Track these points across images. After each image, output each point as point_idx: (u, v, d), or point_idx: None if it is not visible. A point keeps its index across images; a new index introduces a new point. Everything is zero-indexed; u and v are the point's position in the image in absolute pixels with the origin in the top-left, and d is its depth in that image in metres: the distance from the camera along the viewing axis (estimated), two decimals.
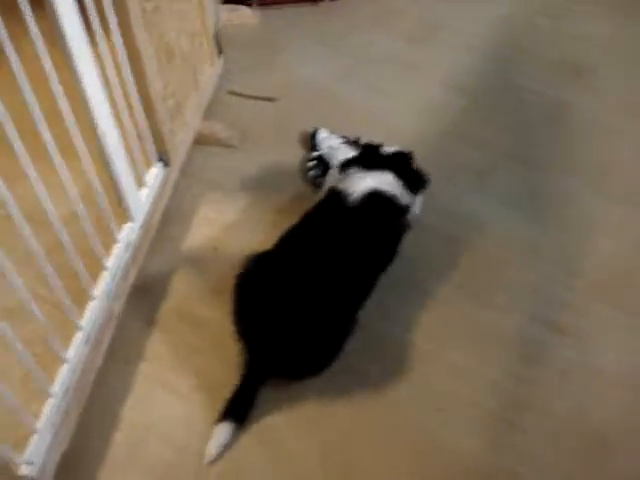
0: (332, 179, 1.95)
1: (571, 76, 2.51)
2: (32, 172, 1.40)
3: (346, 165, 1.95)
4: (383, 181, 1.84)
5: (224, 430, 1.66)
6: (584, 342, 1.87)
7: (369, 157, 1.94)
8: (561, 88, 2.47)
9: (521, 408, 1.76)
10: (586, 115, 2.40)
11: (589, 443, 1.71)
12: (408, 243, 2.00)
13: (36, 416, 1.52)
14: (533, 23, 2.74)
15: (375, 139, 2.28)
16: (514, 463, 1.66)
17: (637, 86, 2.47)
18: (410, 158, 1.96)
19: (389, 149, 1.96)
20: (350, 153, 2.04)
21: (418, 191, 1.95)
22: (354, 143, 2.18)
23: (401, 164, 1.92)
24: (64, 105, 1.47)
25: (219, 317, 1.86)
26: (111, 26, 1.63)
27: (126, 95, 1.76)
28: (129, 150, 1.82)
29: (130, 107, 1.79)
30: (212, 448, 1.65)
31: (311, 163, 2.19)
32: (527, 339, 1.88)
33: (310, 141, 2.26)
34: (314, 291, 1.69)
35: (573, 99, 2.43)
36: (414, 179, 1.93)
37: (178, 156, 2.11)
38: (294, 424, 1.72)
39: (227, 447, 1.66)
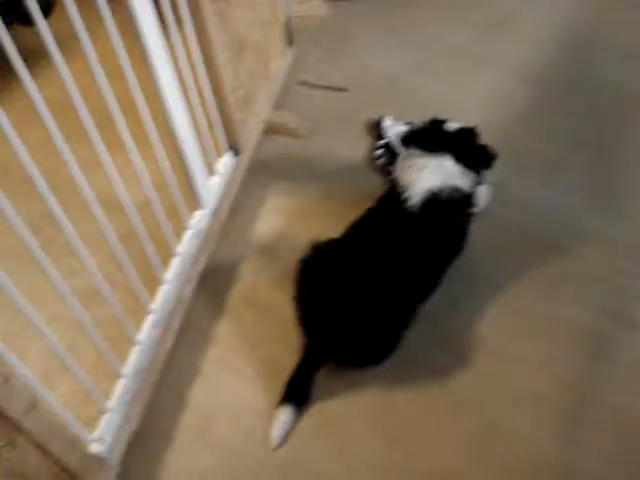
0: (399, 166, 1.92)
1: None
2: (107, 159, 1.45)
3: (407, 140, 1.91)
4: (443, 172, 1.78)
5: (284, 413, 1.68)
6: None
7: (431, 135, 1.87)
8: (637, 80, 2.37)
9: (588, 403, 1.71)
10: None
11: None
12: (478, 234, 1.98)
13: (107, 396, 1.58)
14: (608, 13, 2.63)
15: None
16: (580, 458, 1.62)
17: None
18: (474, 134, 1.89)
19: (453, 125, 1.89)
20: None
21: (485, 168, 1.89)
22: None
23: (464, 143, 1.86)
24: (138, 94, 1.52)
25: (287, 305, 1.87)
26: (183, 16, 1.66)
27: (198, 85, 1.79)
28: (200, 139, 1.85)
29: (201, 97, 1.83)
30: (275, 432, 1.68)
31: (379, 151, 2.18)
32: (595, 333, 1.82)
33: (376, 129, 2.25)
34: (375, 282, 1.68)
35: None
36: (479, 156, 1.87)
37: (248, 145, 2.14)
38: (359, 412, 1.72)
39: (290, 431, 1.69)
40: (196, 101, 1.79)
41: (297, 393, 1.71)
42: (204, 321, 1.90)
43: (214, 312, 1.92)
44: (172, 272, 1.80)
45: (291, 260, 1.89)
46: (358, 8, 2.66)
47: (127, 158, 1.54)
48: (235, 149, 2.06)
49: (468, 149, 1.85)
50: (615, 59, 2.46)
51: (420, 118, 2.26)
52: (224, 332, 1.88)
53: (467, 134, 1.89)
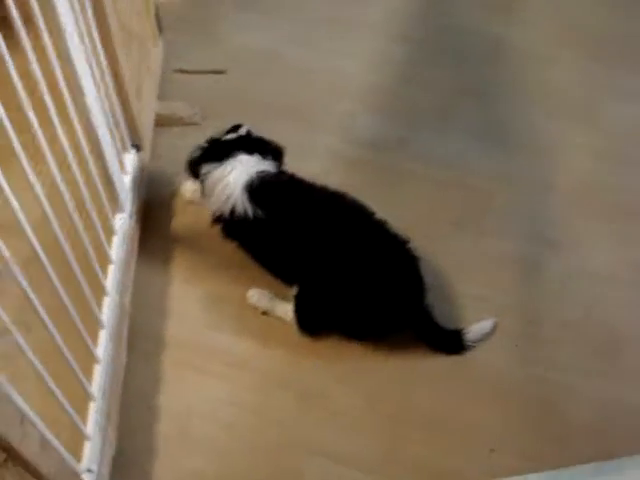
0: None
1: (503, 11, 2.61)
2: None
3: (196, 164, 1.87)
4: (245, 165, 1.80)
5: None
6: (575, 251, 2.00)
7: (215, 148, 1.87)
8: (495, 24, 2.56)
9: (535, 322, 1.87)
10: (522, 46, 2.50)
11: (601, 342, 1.84)
12: (396, 193, 2.07)
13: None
14: None
15: (331, 97, 2.32)
16: (541, 371, 1.78)
17: (564, 15, 2.61)
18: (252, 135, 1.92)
19: (230, 135, 1.91)
20: None
21: (278, 160, 1.91)
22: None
23: (250, 142, 1.88)
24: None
25: (232, 291, 1.85)
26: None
27: (101, 77, 1.67)
28: (114, 136, 1.74)
29: (106, 91, 1.71)
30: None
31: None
32: (524, 258, 1.98)
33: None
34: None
35: (508, 33, 2.53)
36: (268, 148, 1.89)
37: (147, 140, 2.04)
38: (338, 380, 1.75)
39: None
40: (104, 94, 1.67)
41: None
42: (150, 326, 1.80)
43: (158, 315, 1.83)
44: (111, 281, 1.68)
45: (219, 246, 1.86)
46: None
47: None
48: (137, 145, 1.96)
49: (256, 144, 1.88)
50: (473, 7, 2.64)
51: (306, 89, 2.33)
52: (175, 332, 1.80)
53: (247, 136, 1.91)
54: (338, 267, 1.73)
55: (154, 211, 1.98)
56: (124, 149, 1.88)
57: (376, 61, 2.43)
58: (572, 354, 1.81)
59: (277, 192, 1.81)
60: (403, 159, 2.17)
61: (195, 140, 2.09)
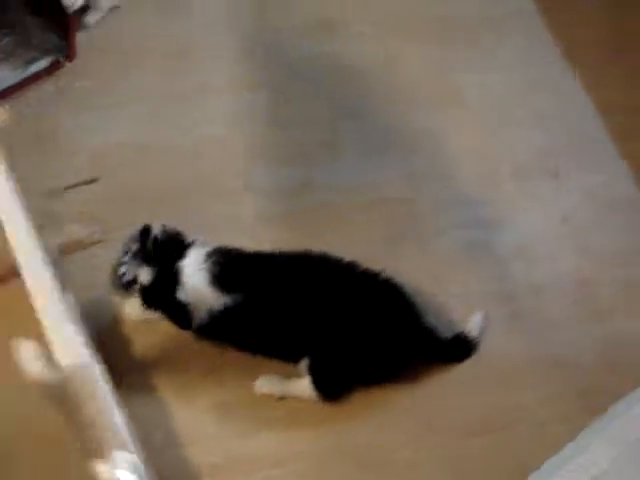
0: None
1: (329, 31, 2.59)
2: None
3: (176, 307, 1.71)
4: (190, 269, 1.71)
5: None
6: (510, 220, 2.14)
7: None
8: (323, 43, 2.55)
9: (513, 297, 1.98)
10: (358, 54, 2.53)
11: (575, 290, 2.01)
12: (329, 232, 2.07)
13: None
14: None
15: (217, 167, 2.21)
16: (543, 337, 1.92)
17: (378, 10, 2.67)
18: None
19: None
20: None
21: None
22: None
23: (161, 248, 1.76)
24: None
25: (237, 390, 1.74)
26: None
27: None
28: None
29: None
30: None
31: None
32: (472, 244, 2.08)
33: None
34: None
35: (340, 47, 2.55)
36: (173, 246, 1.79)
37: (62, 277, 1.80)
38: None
39: None
40: None
41: None
42: (172, 464, 1.62)
43: (173, 449, 1.65)
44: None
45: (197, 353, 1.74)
46: (40, 100, 2.27)
47: None
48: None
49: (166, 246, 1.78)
50: (300, 36, 2.60)
51: (185, 169, 2.21)
52: (200, 461, 1.64)
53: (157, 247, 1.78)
54: (338, 323, 1.69)
55: (109, 347, 1.76)
56: None
57: (241, 117, 2.34)
58: (558, 311, 1.93)
59: (244, 271, 1.73)
60: (316, 199, 2.16)
61: (107, 256, 1.91)
